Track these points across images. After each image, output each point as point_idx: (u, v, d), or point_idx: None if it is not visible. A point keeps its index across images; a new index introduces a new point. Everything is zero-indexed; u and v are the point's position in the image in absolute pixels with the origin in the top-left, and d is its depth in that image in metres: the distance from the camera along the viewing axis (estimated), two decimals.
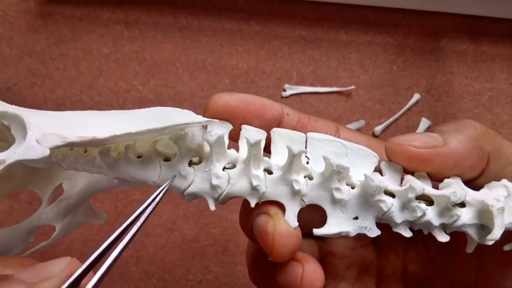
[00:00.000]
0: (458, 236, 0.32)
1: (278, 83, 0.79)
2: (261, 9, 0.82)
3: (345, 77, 0.80)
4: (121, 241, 0.28)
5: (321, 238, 0.39)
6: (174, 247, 0.71)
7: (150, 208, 0.30)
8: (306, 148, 0.33)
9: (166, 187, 0.31)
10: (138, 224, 0.29)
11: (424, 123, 0.77)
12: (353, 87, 0.78)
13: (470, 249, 0.33)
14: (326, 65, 0.80)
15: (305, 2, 0.82)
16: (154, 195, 0.31)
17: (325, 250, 0.40)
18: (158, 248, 0.71)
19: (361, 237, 0.33)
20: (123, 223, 0.29)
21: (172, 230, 0.72)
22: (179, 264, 0.70)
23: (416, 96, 0.79)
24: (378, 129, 0.77)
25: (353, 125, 0.76)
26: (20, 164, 0.27)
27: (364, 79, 0.80)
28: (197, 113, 0.31)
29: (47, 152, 0.26)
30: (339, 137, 0.34)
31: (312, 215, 0.34)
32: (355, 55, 0.81)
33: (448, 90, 0.80)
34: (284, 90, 0.78)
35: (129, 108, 0.77)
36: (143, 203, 0.30)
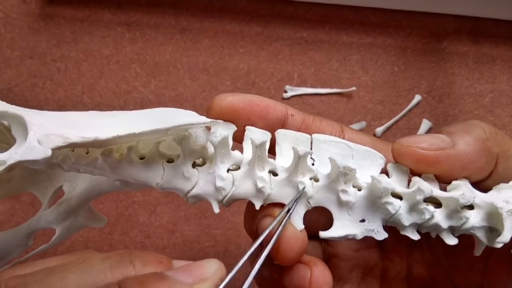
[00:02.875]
0: (463, 238, 0.32)
1: (279, 85, 0.79)
2: (262, 11, 0.82)
3: (346, 79, 0.80)
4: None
5: (326, 240, 0.39)
6: (175, 248, 0.71)
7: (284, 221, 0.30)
8: (311, 149, 0.32)
9: (295, 201, 0.31)
10: (274, 238, 0.30)
11: (425, 124, 0.77)
12: (354, 88, 0.78)
13: (478, 252, 0.32)
14: (327, 67, 0.80)
15: (306, 3, 0.82)
16: (284, 210, 0.31)
17: (329, 252, 0.39)
18: (159, 249, 0.71)
19: (365, 239, 0.33)
20: (255, 241, 0.30)
21: (173, 231, 0.71)
22: None
23: (417, 98, 0.78)
24: (379, 130, 0.76)
25: (354, 127, 0.76)
26: (20, 166, 0.26)
27: (365, 81, 0.79)
28: (199, 114, 0.31)
29: (49, 152, 0.25)
30: (343, 138, 0.34)
31: (317, 217, 0.34)
32: (356, 56, 0.81)
33: (449, 92, 0.79)
34: (285, 92, 0.78)
35: (130, 110, 0.76)
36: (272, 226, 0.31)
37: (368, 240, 0.33)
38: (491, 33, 0.82)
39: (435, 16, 0.82)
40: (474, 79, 0.80)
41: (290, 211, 0.31)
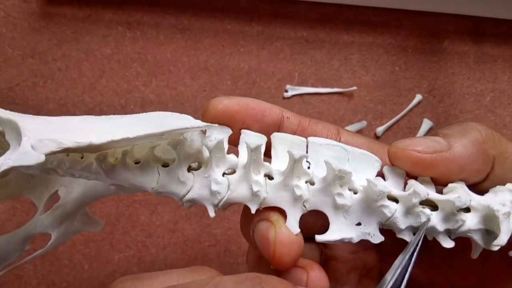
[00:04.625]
0: (461, 240, 0.32)
1: (279, 84, 0.78)
2: (263, 10, 0.82)
3: (346, 78, 0.79)
4: None
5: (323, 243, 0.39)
6: (176, 248, 0.71)
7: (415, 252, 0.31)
8: (307, 152, 0.32)
9: (421, 235, 0.31)
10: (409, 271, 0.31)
11: (426, 124, 0.77)
12: (355, 88, 0.78)
13: (475, 255, 0.32)
14: (328, 66, 0.80)
15: (307, 3, 0.82)
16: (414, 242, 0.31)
17: (326, 254, 0.39)
18: (160, 248, 0.71)
19: (362, 242, 0.33)
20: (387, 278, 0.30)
21: (174, 231, 0.71)
22: (181, 265, 0.70)
23: (418, 97, 0.78)
24: (380, 129, 0.76)
25: (355, 126, 0.76)
26: (16, 171, 0.26)
27: (366, 80, 0.79)
28: (199, 114, 0.31)
29: (42, 158, 0.25)
30: (340, 140, 0.34)
31: (313, 219, 0.34)
32: (356, 56, 0.81)
33: (450, 91, 0.79)
34: (286, 91, 0.78)
35: (131, 109, 0.77)
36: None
37: (365, 243, 0.33)
38: (492, 32, 0.82)
39: (436, 16, 0.82)
40: (475, 79, 0.80)
41: (419, 245, 0.31)
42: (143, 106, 0.77)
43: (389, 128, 0.77)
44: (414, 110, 0.78)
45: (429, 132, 0.77)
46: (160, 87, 0.78)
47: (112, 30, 0.81)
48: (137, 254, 0.70)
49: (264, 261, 0.34)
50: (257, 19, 0.82)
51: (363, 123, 0.77)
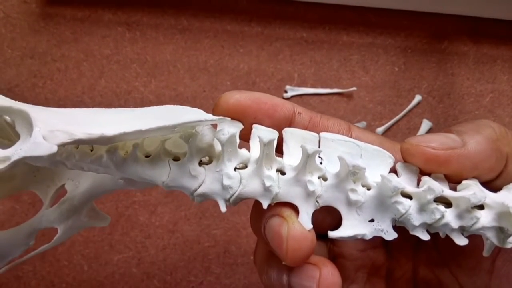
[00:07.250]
0: (470, 238, 0.32)
1: (279, 85, 0.78)
2: (262, 11, 0.82)
3: (346, 79, 0.79)
4: None
5: (332, 240, 0.38)
6: (175, 249, 0.71)
7: None
8: (319, 148, 0.32)
9: None
10: None
11: (426, 124, 0.77)
12: (354, 88, 0.78)
13: (487, 252, 0.32)
14: (327, 67, 0.80)
15: (307, 3, 0.82)
16: None
17: (334, 252, 0.39)
18: (159, 249, 0.70)
19: (372, 239, 0.32)
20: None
21: (173, 232, 0.71)
22: (181, 265, 0.70)
23: (418, 98, 0.78)
24: (379, 130, 0.76)
25: None
26: (22, 164, 0.26)
27: (365, 81, 0.79)
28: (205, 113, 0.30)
29: (54, 148, 0.25)
30: (351, 136, 0.34)
31: (323, 216, 0.34)
32: (356, 56, 0.81)
33: (450, 92, 0.79)
34: (285, 92, 0.78)
35: None
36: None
37: (374, 240, 0.33)
38: (492, 33, 0.82)
39: (435, 16, 0.82)
40: (475, 79, 0.80)
41: None
42: (143, 107, 0.77)
43: (388, 129, 0.77)
44: (413, 111, 0.78)
45: (428, 133, 0.77)
46: (160, 87, 0.78)
47: (111, 30, 0.80)
48: (137, 255, 0.70)
49: (273, 258, 0.34)
50: (257, 20, 0.81)
51: (363, 124, 0.76)
